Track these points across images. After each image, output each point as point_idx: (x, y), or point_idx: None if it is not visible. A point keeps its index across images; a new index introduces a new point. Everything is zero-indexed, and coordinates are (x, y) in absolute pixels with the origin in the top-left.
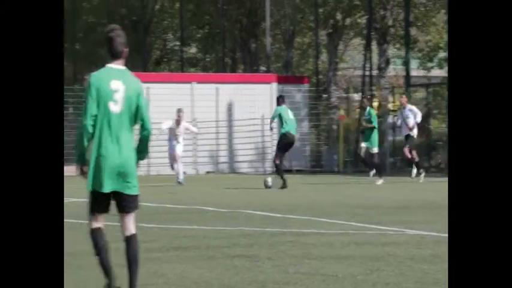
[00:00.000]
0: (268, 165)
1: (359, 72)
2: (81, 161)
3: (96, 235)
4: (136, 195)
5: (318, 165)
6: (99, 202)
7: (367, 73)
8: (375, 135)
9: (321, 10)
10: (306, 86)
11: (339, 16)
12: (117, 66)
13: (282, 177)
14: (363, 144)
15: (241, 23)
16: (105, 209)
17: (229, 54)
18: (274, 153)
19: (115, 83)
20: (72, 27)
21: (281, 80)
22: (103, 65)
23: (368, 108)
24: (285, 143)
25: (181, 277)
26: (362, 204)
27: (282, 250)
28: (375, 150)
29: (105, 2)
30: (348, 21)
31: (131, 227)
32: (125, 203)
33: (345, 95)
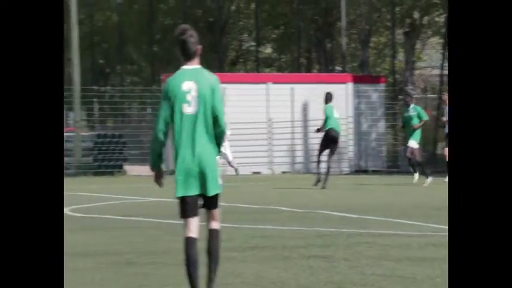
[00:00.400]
0: (345, 166)
1: (437, 72)
2: (155, 167)
3: (187, 245)
4: (218, 194)
5: (394, 166)
6: (186, 206)
7: (446, 72)
8: (418, 131)
9: (397, 9)
10: (382, 86)
11: (416, 15)
12: (191, 66)
13: (318, 173)
14: (415, 144)
15: (316, 23)
16: (193, 213)
17: (305, 54)
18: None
19: (187, 84)
20: (149, 29)
21: (357, 80)
22: (180, 66)
23: (412, 105)
24: (327, 139)
25: (258, 277)
26: (440, 205)
27: (358, 251)
28: (413, 144)
29: (181, 4)
30: (425, 19)
31: (214, 223)
32: (208, 202)
33: (422, 95)
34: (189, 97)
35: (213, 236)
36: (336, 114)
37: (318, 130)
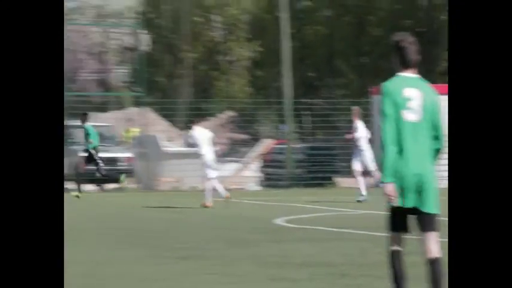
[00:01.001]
0: None
1: None
2: (390, 179)
3: (394, 259)
4: (435, 214)
5: None
6: (397, 218)
7: None
8: None
9: None
10: None
11: None
12: (410, 74)
13: None
14: None
15: None
16: (403, 227)
17: None
18: None
19: (409, 90)
20: (358, 41)
21: None
22: (388, 78)
23: None
24: None
25: None
26: None
27: None
28: None
29: (391, 15)
30: None
31: (433, 249)
32: (423, 221)
33: None
34: (411, 104)
35: (434, 266)
36: None
37: None
